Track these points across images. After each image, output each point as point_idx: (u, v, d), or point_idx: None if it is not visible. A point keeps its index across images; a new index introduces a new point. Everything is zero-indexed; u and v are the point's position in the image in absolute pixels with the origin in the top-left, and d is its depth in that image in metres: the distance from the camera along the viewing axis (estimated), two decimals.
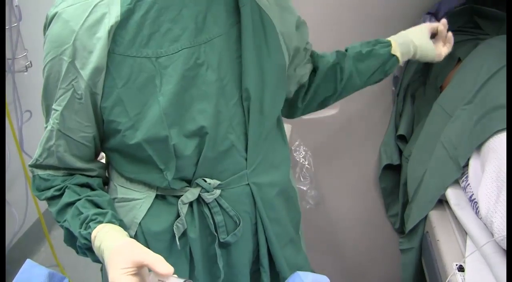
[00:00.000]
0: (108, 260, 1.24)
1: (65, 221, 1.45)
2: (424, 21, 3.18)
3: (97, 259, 1.40)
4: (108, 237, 1.32)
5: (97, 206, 1.45)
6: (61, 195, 1.49)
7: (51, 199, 1.51)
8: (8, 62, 2.74)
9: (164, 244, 1.57)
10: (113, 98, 1.38)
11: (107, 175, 1.65)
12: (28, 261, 1.53)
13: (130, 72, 1.36)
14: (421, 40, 1.86)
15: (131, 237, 1.52)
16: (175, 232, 1.54)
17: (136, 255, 1.20)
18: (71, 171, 1.53)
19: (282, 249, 1.69)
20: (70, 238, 1.46)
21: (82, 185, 1.52)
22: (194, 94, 1.41)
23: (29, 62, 2.81)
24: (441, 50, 1.93)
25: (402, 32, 1.88)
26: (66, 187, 1.49)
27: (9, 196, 3.46)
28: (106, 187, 1.63)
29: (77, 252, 1.49)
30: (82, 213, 1.41)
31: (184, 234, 1.57)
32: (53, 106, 1.42)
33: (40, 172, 1.52)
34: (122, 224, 1.42)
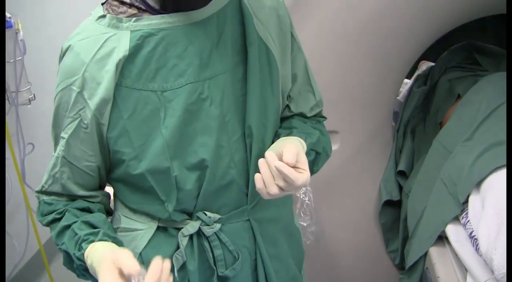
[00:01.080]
0: (98, 271, 1.25)
1: (63, 244, 1.46)
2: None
3: (96, 280, 1.40)
4: (97, 253, 1.33)
5: (92, 226, 1.46)
6: (61, 219, 1.50)
7: (52, 223, 1.52)
8: (12, 95, 2.75)
9: None
10: (119, 129, 1.41)
11: (111, 205, 1.66)
12: None
13: (136, 104, 1.39)
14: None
15: None
16: (174, 264, 1.54)
17: (114, 259, 1.21)
18: (74, 197, 1.55)
19: None
20: (69, 261, 1.47)
21: (83, 209, 1.53)
22: (197, 128, 1.43)
23: (32, 95, 2.81)
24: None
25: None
26: (67, 210, 1.51)
27: (10, 228, 3.45)
28: (109, 217, 1.64)
29: (78, 276, 1.50)
30: (76, 234, 1.42)
31: (183, 266, 1.57)
32: (61, 135, 1.46)
33: (45, 197, 1.55)
34: (115, 241, 1.42)
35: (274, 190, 1.34)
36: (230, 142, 1.48)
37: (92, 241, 1.39)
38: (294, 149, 1.36)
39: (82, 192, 1.53)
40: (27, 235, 3.54)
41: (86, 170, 1.49)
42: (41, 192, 1.56)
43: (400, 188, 2.58)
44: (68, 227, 1.47)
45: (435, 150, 2.36)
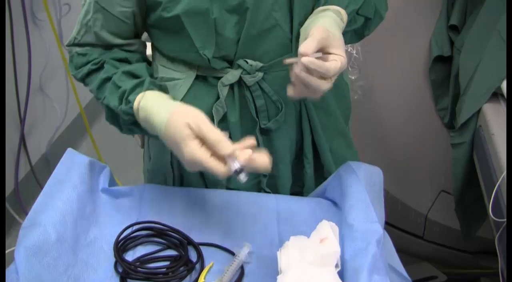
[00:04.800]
0: (169, 134, 1.23)
1: (104, 98, 1.41)
2: None
3: (146, 133, 1.38)
4: (155, 107, 1.29)
5: (135, 76, 1.41)
6: (98, 69, 1.45)
7: (88, 75, 1.48)
8: None
9: None
10: None
11: (148, 55, 1.61)
12: (69, 150, 1.51)
13: None
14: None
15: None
16: (214, 115, 1.49)
17: (201, 129, 1.19)
18: (109, 47, 1.50)
19: (330, 141, 1.64)
20: (112, 115, 1.43)
21: (121, 60, 1.48)
22: None
23: None
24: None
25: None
26: (104, 61, 1.45)
27: (50, 91, 3.47)
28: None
29: (121, 130, 1.46)
30: (120, 87, 1.37)
31: (224, 118, 1.52)
32: None
33: (78, 49, 1.48)
34: (162, 89, 1.39)
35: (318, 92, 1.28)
36: None
37: (139, 92, 1.33)
38: (319, 33, 1.24)
39: (117, 41, 1.47)
40: (67, 97, 3.56)
41: (120, 17, 1.41)
42: (73, 44, 1.49)
43: (452, 43, 2.47)
44: (108, 79, 1.41)
45: (491, 2, 2.23)
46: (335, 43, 1.26)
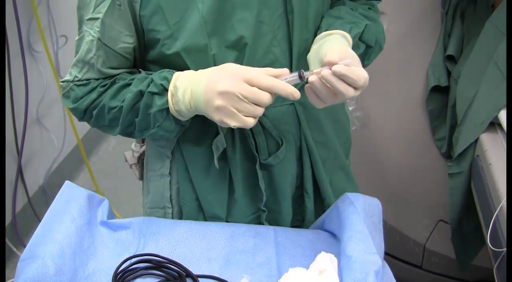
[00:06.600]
0: (228, 72, 1.28)
1: (123, 100, 1.39)
2: None
3: (163, 107, 1.36)
4: (194, 74, 1.33)
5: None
6: (108, 89, 1.42)
7: (98, 98, 1.43)
8: None
9: (202, 163, 1.53)
10: (152, 6, 1.33)
11: None
12: (67, 182, 1.50)
13: None
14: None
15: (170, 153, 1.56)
16: (213, 151, 1.48)
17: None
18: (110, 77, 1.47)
19: (330, 175, 1.63)
20: (131, 106, 1.39)
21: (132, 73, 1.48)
22: (236, 2, 1.35)
23: None
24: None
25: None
26: (114, 81, 1.43)
27: (47, 122, 3.47)
28: None
29: (134, 131, 1.45)
30: (147, 76, 1.40)
31: (223, 155, 1.51)
32: (92, 15, 1.36)
33: (77, 82, 1.43)
34: None
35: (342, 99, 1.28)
36: (272, 18, 1.39)
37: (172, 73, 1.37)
38: (337, 49, 1.26)
39: (118, 71, 1.45)
40: (64, 129, 3.55)
41: (122, 53, 1.41)
42: (73, 81, 1.44)
43: (449, 73, 2.48)
44: (127, 85, 1.41)
45: (488, 32, 2.24)
46: (354, 61, 1.26)
